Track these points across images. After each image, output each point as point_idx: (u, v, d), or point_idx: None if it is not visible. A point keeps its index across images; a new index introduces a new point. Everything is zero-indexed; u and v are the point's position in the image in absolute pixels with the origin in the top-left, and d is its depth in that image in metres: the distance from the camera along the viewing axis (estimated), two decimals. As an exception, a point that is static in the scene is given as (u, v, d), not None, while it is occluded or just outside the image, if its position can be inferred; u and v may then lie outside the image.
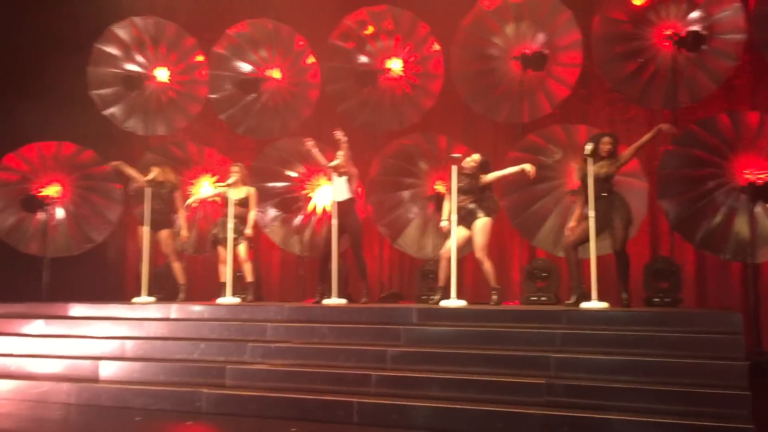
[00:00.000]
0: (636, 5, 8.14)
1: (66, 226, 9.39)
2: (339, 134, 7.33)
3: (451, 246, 6.75)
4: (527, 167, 6.82)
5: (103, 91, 9.74)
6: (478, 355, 5.34)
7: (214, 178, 9.29)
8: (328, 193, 7.59)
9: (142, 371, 5.95)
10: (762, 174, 7.40)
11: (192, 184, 9.38)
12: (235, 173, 7.85)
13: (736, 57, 7.79)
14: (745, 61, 8.04)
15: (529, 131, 8.34)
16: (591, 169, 6.39)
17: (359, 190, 8.06)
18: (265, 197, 8.91)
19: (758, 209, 7.45)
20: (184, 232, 8.29)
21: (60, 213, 9.38)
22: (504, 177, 7.11)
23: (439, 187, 8.52)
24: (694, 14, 7.97)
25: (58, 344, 6.58)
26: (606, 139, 6.63)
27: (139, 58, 9.78)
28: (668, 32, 8.00)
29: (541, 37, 8.55)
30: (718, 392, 4.50)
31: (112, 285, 10.21)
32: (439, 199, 8.32)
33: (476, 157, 7.04)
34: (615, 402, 4.65)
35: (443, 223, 7.09)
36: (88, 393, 5.81)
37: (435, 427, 4.80)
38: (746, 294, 7.75)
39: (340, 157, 7.35)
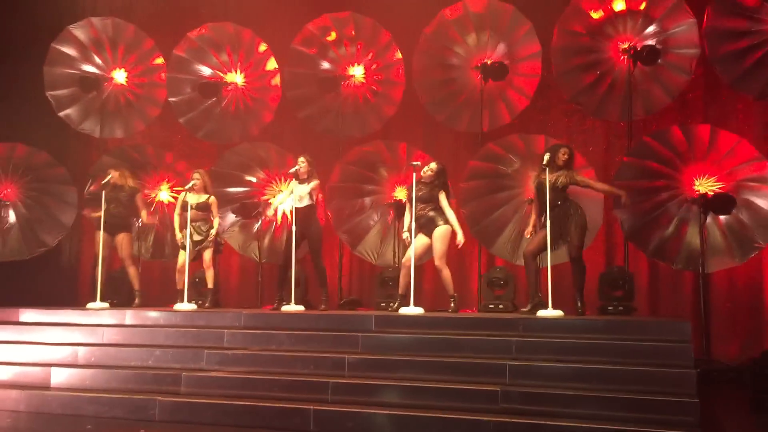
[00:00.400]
0: (594, 18, 8.29)
1: (18, 229, 9.17)
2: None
3: (410, 254, 6.79)
4: (460, 237, 6.91)
5: (59, 92, 9.55)
6: (435, 363, 5.37)
7: (171, 184, 9.18)
8: (288, 199, 7.56)
9: (95, 378, 5.84)
10: (713, 186, 7.61)
11: (150, 189, 9.24)
12: (196, 179, 7.77)
13: (689, 71, 8.00)
14: (698, 75, 8.26)
15: (489, 140, 8.43)
16: (548, 178, 6.50)
17: (320, 196, 8.03)
18: (224, 202, 8.83)
19: (709, 220, 7.65)
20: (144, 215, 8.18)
21: (12, 216, 9.17)
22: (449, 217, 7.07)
23: (400, 194, 8.55)
24: (650, 29, 8.16)
25: (8, 350, 6.43)
26: (563, 149, 6.79)
27: (97, 60, 9.61)
28: (625, 46, 8.18)
29: (501, 48, 8.66)
30: (668, 399, 4.60)
31: (65, 290, 9.99)
32: (399, 207, 8.37)
33: (433, 166, 7.08)
34: (569, 409, 4.73)
35: (405, 235, 7.13)
36: (38, 400, 5.69)
37: (391, 434, 4.81)
38: (697, 303, 7.93)
39: (302, 165, 7.34)
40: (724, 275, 8.15)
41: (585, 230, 6.74)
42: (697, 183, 7.65)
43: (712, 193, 7.55)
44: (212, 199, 7.87)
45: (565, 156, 6.75)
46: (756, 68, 7.67)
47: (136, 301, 7.99)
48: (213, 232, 7.79)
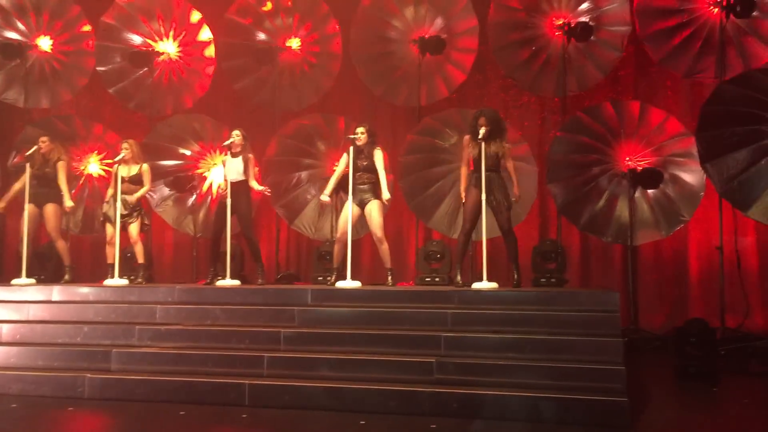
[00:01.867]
0: (530, -6, 8.37)
1: (-63, 204, 8.74)
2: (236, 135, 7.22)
3: (347, 226, 6.75)
4: (386, 196, 6.86)
5: (-21, 60, 9.11)
6: (372, 335, 5.40)
7: (101, 156, 8.89)
8: (219, 171, 7.42)
9: (20, 356, 5.65)
10: (642, 161, 7.82)
11: (79, 161, 8.93)
12: (125, 149, 7.51)
13: (621, 48, 8.17)
14: (629, 52, 8.46)
15: (426, 114, 8.45)
16: (483, 149, 6.43)
17: (256, 170, 7.82)
18: (157, 176, 8.59)
19: (638, 194, 7.88)
20: (68, 203, 7.78)
21: (-70, 190, 8.73)
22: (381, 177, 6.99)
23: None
24: (584, 6, 8.30)
25: (-73, 329, 6.15)
26: (480, 119, 6.50)
27: (20, 26, 9.19)
28: (559, 22, 8.29)
29: (439, 22, 8.66)
30: (597, 367, 4.74)
31: (-11, 266, 9.63)
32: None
33: (362, 129, 6.99)
34: (502, 378, 4.83)
35: (323, 198, 7.12)
36: (-41, 380, 5.47)
37: (328, 406, 4.83)
38: (626, 274, 8.19)
39: (236, 138, 7.19)
40: (651, 248, 8.44)
41: (511, 202, 6.73)
42: (627, 158, 7.85)
43: (641, 168, 7.76)
44: (145, 167, 7.57)
45: (484, 124, 6.45)
46: (684, 46, 7.91)
47: (66, 276, 7.71)
48: (134, 196, 7.46)
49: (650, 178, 7.69)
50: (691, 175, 7.71)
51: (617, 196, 7.95)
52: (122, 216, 7.41)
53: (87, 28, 9.19)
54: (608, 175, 7.96)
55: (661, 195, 7.84)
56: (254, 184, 7.23)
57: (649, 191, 7.88)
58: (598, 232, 8.05)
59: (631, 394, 4.57)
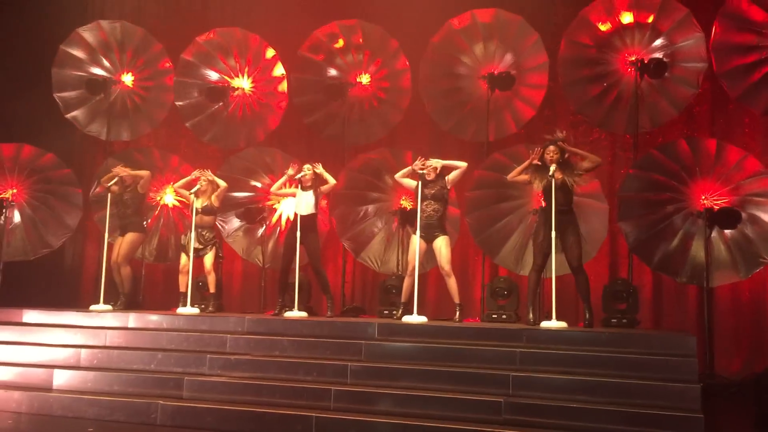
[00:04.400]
0: (602, 30, 8.31)
1: (23, 229, 9.17)
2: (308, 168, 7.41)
3: (415, 261, 6.78)
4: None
5: (66, 94, 9.58)
6: (438, 372, 5.36)
7: (175, 187, 9.19)
8: (290, 202, 7.59)
9: (97, 381, 5.85)
10: (718, 200, 7.59)
11: (155, 191, 9.24)
12: (202, 181, 7.78)
13: (696, 85, 8.00)
14: (705, 89, 8.26)
15: (495, 150, 8.44)
16: (554, 184, 6.45)
17: (324, 202, 7.98)
18: (229, 207, 8.85)
19: (714, 234, 7.62)
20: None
21: (17, 216, 9.17)
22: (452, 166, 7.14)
23: (405, 203, 8.56)
24: (658, 42, 8.17)
25: (11, 351, 6.44)
26: (550, 149, 6.67)
27: (105, 62, 9.64)
28: (632, 58, 8.19)
29: (508, 58, 8.67)
30: (673, 414, 4.59)
31: (68, 292, 10.00)
32: (403, 214, 8.37)
33: (432, 162, 7.10)
34: (572, 421, 4.72)
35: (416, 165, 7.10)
36: (39, 402, 5.69)
37: (393, 443, 4.81)
38: (701, 317, 7.90)
39: (307, 172, 7.34)
40: (728, 290, 8.13)
41: (581, 239, 6.69)
42: (702, 196, 7.64)
43: (717, 207, 7.53)
44: (213, 197, 7.84)
45: (556, 154, 6.62)
46: (763, 83, 7.68)
47: (118, 304, 7.75)
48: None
49: (728, 217, 7.45)
50: (772, 216, 7.44)
51: (692, 235, 7.71)
52: (197, 248, 7.64)
53: (167, 64, 9.58)
54: (683, 214, 7.74)
55: (740, 235, 7.57)
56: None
57: (727, 231, 7.62)
58: (672, 272, 7.81)
59: (709, 444, 4.40)
